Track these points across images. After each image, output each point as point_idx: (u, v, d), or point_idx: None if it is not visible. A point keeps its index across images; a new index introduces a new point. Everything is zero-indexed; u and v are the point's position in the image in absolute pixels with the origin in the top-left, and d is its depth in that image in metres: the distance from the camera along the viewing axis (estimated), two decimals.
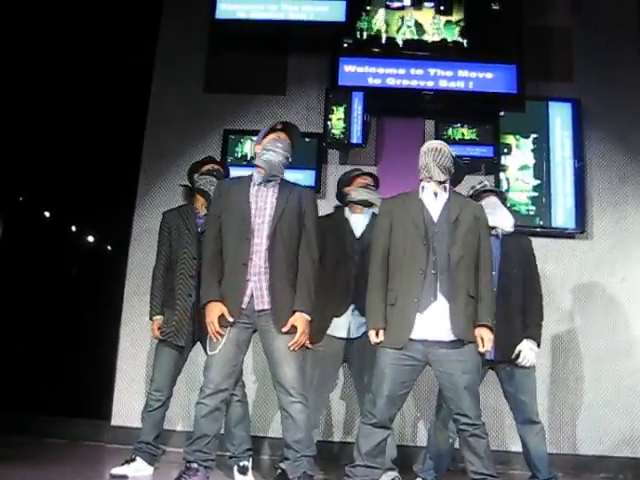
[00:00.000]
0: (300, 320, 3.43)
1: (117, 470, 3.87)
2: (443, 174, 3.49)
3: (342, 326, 3.97)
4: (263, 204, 3.53)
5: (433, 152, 3.49)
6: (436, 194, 3.49)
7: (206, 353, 3.54)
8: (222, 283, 3.48)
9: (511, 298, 3.85)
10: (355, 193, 4.12)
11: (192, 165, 4.39)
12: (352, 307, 3.97)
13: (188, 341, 4.02)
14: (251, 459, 3.94)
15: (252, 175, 3.62)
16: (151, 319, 4.13)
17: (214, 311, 3.42)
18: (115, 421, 5.16)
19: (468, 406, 3.30)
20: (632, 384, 5.06)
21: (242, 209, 3.50)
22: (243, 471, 3.88)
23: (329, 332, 3.98)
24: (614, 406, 5.03)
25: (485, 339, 3.35)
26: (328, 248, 3.93)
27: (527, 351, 3.80)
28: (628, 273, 5.28)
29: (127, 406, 5.04)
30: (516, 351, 3.80)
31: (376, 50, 5.54)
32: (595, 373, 5.10)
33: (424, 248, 3.38)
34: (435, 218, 3.45)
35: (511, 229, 3.97)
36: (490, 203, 3.96)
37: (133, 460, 3.95)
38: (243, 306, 3.44)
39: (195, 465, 3.38)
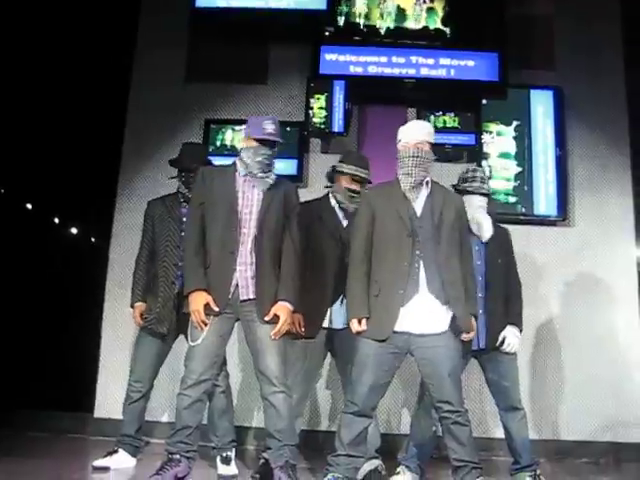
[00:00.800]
0: (282, 309, 3.42)
1: (99, 462, 3.87)
2: (424, 173, 3.47)
3: (329, 316, 3.94)
4: (250, 195, 3.50)
5: (414, 157, 3.44)
6: (418, 187, 3.47)
7: (188, 343, 3.52)
8: (207, 272, 3.44)
9: (495, 288, 3.87)
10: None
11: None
12: (341, 298, 3.93)
13: (171, 330, 3.98)
14: (234, 449, 3.94)
15: (235, 164, 3.58)
16: (132, 306, 4.10)
17: (199, 300, 3.38)
18: (98, 413, 5.14)
19: (450, 393, 3.31)
20: (614, 370, 5.10)
21: (230, 199, 3.47)
22: (226, 461, 3.88)
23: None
24: (595, 392, 5.07)
25: (470, 328, 3.40)
26: (316, 237, 3.91)
27: (511, 337, 3.82)
28: (609, 259, 5.32)
29: (110, 398, 5.01)
30: (500, 338, 3.81)
31: (357, 38, 5.52)
32: (576, 360, 5.13)
33: (409, 241, 3.37)
34: (418, 212, 3.44)
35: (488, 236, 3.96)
36: (477, 206, 3.93)
37: (115, 452, 3.94)
38: (229, 296, 3.42)
39: (177, 456, 3.36)
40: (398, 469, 3.88)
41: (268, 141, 3.51)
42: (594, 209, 5.42)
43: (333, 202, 4.06)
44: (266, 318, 3.40)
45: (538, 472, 3.80)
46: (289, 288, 3.46)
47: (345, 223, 4.02)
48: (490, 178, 5.24)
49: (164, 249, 4.03)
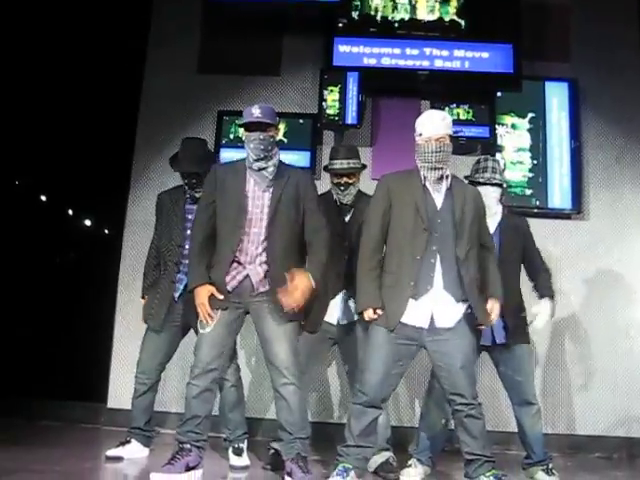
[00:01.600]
0: (303, 278, 3.36)
1: (112, 452, 3.89)
2: (445, 167, 3.43)
3: (332, 312, 3.92)
4: (260, 192, 3.48)
5: (437, 153, 3.38)
6: (439, 181, 3.43)
7: (197, 334, 3.54)
8: (213, 269, 3.45)
9: (509, 282, 3.81)
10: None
11: None
12: (343, 293, 3.94)
13: (174, 326, 3.98)
14: (246, 441, 3.95)
15: (245, 159, 3.56)
16: (142, 298, 4.15)
17: (203, 293, 3.40)
18: (111, 404, 5.17)
19: (463, 386, 3.29)
20: (628, 365, 5.08)
21: (239, 198, 3.46)
22: (238, 452, 3.89)
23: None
24: (610, 386, 5.05)
25: (494, 311, 3.42)
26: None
27: (543, 313, 3.82)
28: (624, 253, 5.28)
29: (123, 388, 5.02)
30: (535, 310, 3.80)
31: (371, 30, 5.49)
32: (591, 354, 5.11)
33: (424, 235, 3.33)
34: (438, 206, 3.40)
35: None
36: (488, 197, 3.85)
37: (128, 442, 3.97)
38: (229, 289, 3.41)
39: (188, 446, 3.37)
40: (410, 462, 3.87)
41: (256, 125, 3.47)
42: (609, 202, 5.38)
43: (335, 197, 4.06)
44: (288, 277, 3.33)
45: (551, 466, 3.78)
46: (315, 271, 3.43)
47: (347, 218, 4.01)
48: (504, 169, 5.22)
49: (166, 246, 4.03)
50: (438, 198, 3.42)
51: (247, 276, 3.43)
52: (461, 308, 3.35)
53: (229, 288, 3.42)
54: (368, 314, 3.36)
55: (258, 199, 3.47)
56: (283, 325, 3.41)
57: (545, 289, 3.93)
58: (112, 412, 5.11)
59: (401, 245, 3.38)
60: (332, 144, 5.45)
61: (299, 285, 3.33)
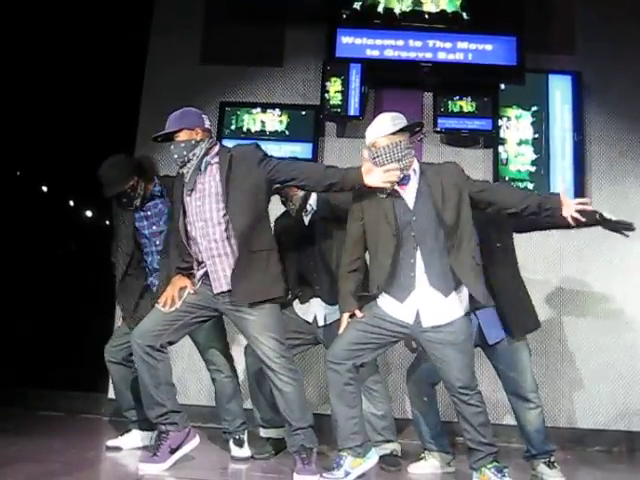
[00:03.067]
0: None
1: (112, 442, 3.90)
2: (403, 170, 3.36)
3: (309, 313, 3.97)
4: (206, 189, 3.46)
5: (374, 159, 3.34)
6: (404, 180, 3.37)
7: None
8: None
9: (501, 272, 3.71)
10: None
11: None
12: (317, 300, 3.95)
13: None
14: (246, 432, 3.95)
15: None
16: None
17: (177, 282, 3.47)
18: (112, 394, 5.12)
19: (459, 375, 3.27)
20: (628, 358, 5.07)
21: (179, 206, 3.50)
22: (239, 443, 3.89)
23: (298, 312, 3.99)
24: (610, 380, 5.05)
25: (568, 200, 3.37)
26: (283, 244, 3.81)
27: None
28: (627, 247, 5.25)
29: None
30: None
31: (374, 21, 5.47)
32: (591, 348, 5.10)
33: (393, 240, 3.30)
34: (410, 205, 3.35)
35: None
36: None
37: (128, 431, 3.98)
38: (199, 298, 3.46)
39: (163, 427, 3.43)
40: (422, 455, 3.85)
41: (166, 137, 3.55)
42: (611, 196, 5.35)
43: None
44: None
45: (552, 459, 3.76)
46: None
47: (307, 220, 3.99)
48: (507, 164, 5.21)
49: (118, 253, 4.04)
50: (409, 197, 3.37)
51: (206, 273, 3.45)
52: (454, 300, 3.31)
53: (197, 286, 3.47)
54: (344, 318, 3.42)
55: (205, 197, 3.45)
56: (259, 320, 3.40)
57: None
58: (113, 402, 5.06)
59: (376, 253, 3.39)
60: (334, 136, 5.45)
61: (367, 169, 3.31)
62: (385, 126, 3.36)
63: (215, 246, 3.42)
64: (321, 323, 3.95)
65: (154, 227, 3.91)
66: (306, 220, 3.99)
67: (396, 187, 3.36)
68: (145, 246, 3.93)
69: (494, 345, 3.74)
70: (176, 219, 3.53)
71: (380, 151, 3.33)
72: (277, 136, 5.46)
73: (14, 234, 8.59)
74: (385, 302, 3.37)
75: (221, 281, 3.42)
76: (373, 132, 3.39)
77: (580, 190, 5.28)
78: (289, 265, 3.90)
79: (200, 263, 3.47)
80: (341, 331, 3.42)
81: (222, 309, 3.49)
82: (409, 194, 3.38)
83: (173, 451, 3.41)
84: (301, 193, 3.91)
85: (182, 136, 3.50)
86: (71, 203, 13.46)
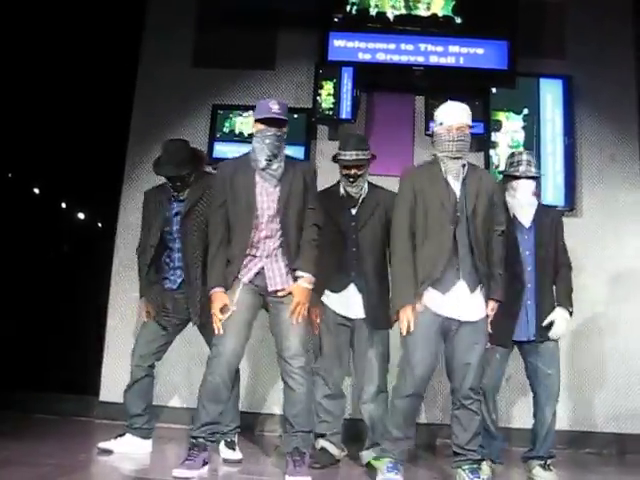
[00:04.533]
0: (298, 290, 3.45)
1: (104, 444, 3.89)
2: (463, 155, 3.46)
3: (343, 304, 3.93)
4: (272, 189, 3.51)
5: (458, 142, 3.42)
6: (458, 173, 3.45)
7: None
8: (228, 266, 3.50)
9: (545, 279, 3.87)
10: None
11: None
12: (352, 286, 3.93)
13: (173, 319, 3.98)
14: (237, 435, 3.95)
15: (249, 154, 3.58)
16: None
17: (217, 303, 3.46)
18: (104, 397, 5.17)
19: (470, 381, 3.35)
20: (618, 361, 5.10)
21: (249, 198, 3.49)
22: (231, 446, 3.90)
23: (333, 308, 3.95)
24: (600, 383, 5.08)
25: (491, 311, 3.44)
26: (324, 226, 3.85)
27: (560, 319, 3.80)
28: (617, 251, 5.30)
29: (115, 382, 5.00)
30: (547, 320, 3.79)
31: (366, 25, 5.48)
32: (582, 350, 5.12)
33: (451, 229, 3.36)
34: (458, 198, 3.42)
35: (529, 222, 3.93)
36: (524, 191, 3.89)
37: (122, 435, 3.96)
38: (246, 280, 3.49)
39: (202, 441, 3.45)
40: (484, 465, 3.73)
41: (274, 121, 3.48)
42: (602, 199, 5.39)
43: (342, 190, 4.04)
44: (279, 293, 3.46)
45: (549, 462, 3.81)
46: (308, 261, 3.49)
47: (354, 210, 3.98)
48: (497, 166, 5.22)
49: (144, 247, 4.03)
50: (457, 189, 3.44)
51: (262, 269, 3.49)
52: (478, 298, 3.38)
53: (245, 280, 3.49)
54: (406, 314, 3.33)
55: (269, 195, 3.50)
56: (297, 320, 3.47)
57: (561, 297, 3.89)
58: (104, 405, 5.11)
59: (429, 239, 3.38)
60: (326, 139, 5.47)
61: (295, 298, 3.44)
62: (470, 116, 3.54)
63: (270, 247, 3.52)
64: (356, 316, 3.92)
65: (176, 226, 3.93)
66: (354, 210, 3.98)
67: (449, 177, 3.43)
68: (169, 241, 3.95)
69: (534, 343, 3.83)
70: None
71: (465, 136, 3.45)
72: None
73: (5, 237, 8.56)
74: (428, 295, 3.37)
75: (276, 280, 3.49)
76: (465, 117, 3.50)
77: (571, 193, 5.32)
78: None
79: (253, 256, 3.51)
80: (404, 330, 3.35)
81: (268, 299, 3.54)
82: (457, 186, 3.44)
83: (204, 464, 3.46)
84: (366, 177, 3.95)
85: (285, 128, 3.56)
86: (63, 205, 13.42)
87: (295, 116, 5.39)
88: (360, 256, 3.89)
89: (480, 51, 5.41)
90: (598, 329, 5.15)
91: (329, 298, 3.94)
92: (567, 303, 3.88)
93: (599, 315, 5.17)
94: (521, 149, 4.04)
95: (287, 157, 3.62)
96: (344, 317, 3.93)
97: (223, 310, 3.44)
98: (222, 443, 3.90)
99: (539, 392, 3.86)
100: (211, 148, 5.39)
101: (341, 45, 5.46)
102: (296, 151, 5.31)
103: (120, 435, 3.96)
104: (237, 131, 5.48)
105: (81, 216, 14.19)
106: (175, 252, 3.94)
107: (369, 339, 3.88)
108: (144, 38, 5.73)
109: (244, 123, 5.48)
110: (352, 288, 3.91)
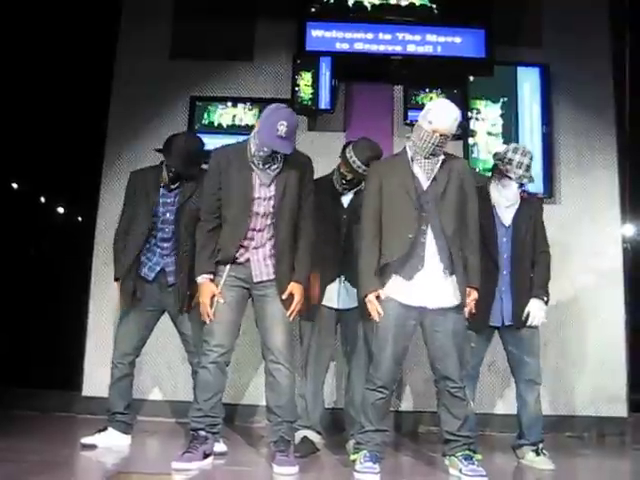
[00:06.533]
0: (297, 289, 3.49)
1: (87, 439, 3.88)
2: (439, 152, 3.47)
3: (332, 296, 3.97)
4: (267, 180, 3.50)
5: (436, 146, 3.41)
6: (427, 163, 3.46)
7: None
8: (220, 253, 3.51)
9: (522, 265, 3.90)
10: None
11: None
12: (342, 278, 3.97)
13: (149, 310, 3.99)
14: (221, 426, 3.95)
15: (247, 144, 3.55)
16: (116, 280, 4.11)
17: (206, 292, 3.48)
18: (86, 392, 5.15)
19: (453, 369, 3.38)
20: (596, 345, 5.16)
21: (245, 186, 3.48)
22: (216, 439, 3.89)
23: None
24: (578, 367, 5.15)
25: (471, 300, 3.45)
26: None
27: (536, 311, 3.85)
28: (595, 238, 5.35)
29: (98, 376, 4.98)
30: (525, 312, 3.84)
31: (344, 15, 5.46)
32: (560, 335, 5.17)
33: (416, 215, 3.38)
34: (425, 186, 3.44)
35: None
36: (513, 191, 3.93)
37: (104, 430, 3.95)
38: (239, 275, 3.50)
39: (203, 433, 3.48)
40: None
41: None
42: (580, 187, 5.44)
43: (336, 184, 4.05)
44: (283, 296, 3.47)
45: (541, 447, 3.86)
46: (303, 270, 3.54)
47: (346, 203, 4.02)
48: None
49: (132, 232, 4.01)
50: (424, 179, 3.45)
51: (248, 260, 3.50)
52: (450, 285, 3.39)
53: (232, 272, 3.50)
54: (371, 302, 3.40)
55: (263, 188, 3.50)
56: (282, 311, 3.49)
57: (537, 288, 3.92)
58: (87, 400, 5.08)
59: (394, 227, 3.42)
60: (305, 129, 5.43)
61: (295, 297, 3.49)
62: (456, 126, 3.53)
63: (261, 237, 3.53)
64: (344, 306, 3.97)
65: (168, 215, 3.95)
66: (346, 202, 4.02)
67: (415, 166, 3.46)
68: (157, 230, 3.95)
69: (512, 329, 3.87)
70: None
71: (444, 143, 3.44)
72: (248, 130, 5.38)
73: None
74: (392, 285, 3.40)
75: (264, 270, 3.51)
76: (454, 126, 3.47)
77: (549, 181, 5.37)
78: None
79: (245, 248, 3.52)
80: (375, 316, 3.41)
81: (253, 292, 3.55)
82: (425, 176, 3.46)
83: (206, 456, 3.47)
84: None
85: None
86: (42, 199, 13.28)
87: None
88: (348, 248, 3.92)
89: (457, 40, 5.42)
90: (576, 315, 5.20)
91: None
92: (542, 293, 3.91)
93: (577, 301, 5.23)
94: (527, 148, 4.00)
95: None
96: (330, 308, 3.98)
97: (212, 301, 3.46)
98: None
99: (520, 378, 3.91)
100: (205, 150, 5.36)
101: (319, 35, 5.44)
102: None
103: (102, 430, 3.95)
104: (216, 123, 5.46)
105: (60, 210, 14.05)
106: (165, 241, 3.95)
107: (359, 330, 3.95)
108: (121, 31, 5.67)
109: (223, 115, 5.47)
110: (341, 279, 3.97)
